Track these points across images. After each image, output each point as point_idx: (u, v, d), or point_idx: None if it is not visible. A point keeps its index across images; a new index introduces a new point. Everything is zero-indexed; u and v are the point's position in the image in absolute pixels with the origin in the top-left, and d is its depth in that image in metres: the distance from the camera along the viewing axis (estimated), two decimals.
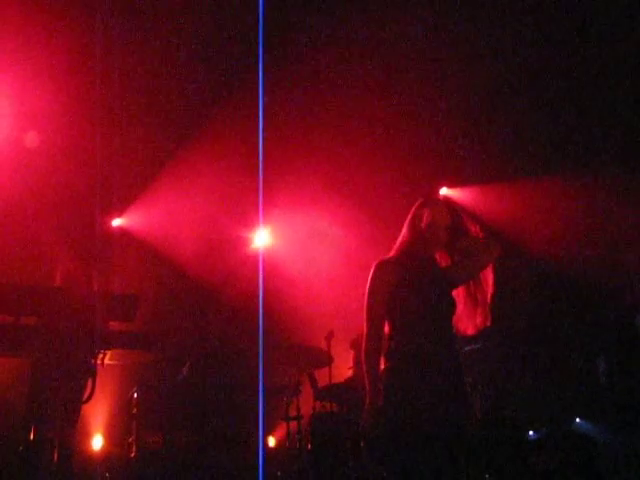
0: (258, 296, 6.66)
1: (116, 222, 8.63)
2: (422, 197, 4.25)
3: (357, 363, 7.04)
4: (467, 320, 4.14)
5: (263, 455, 6.39)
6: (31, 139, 7.09)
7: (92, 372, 5.81)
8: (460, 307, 4.11)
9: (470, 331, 4.15)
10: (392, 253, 4.15)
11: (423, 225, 4.09)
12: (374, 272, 4.03)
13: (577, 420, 6.52)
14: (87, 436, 7.65)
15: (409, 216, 4.19)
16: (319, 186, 8.30)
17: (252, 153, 6.94)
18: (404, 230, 4.18)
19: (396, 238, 4.22)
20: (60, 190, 7.44)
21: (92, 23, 6.73)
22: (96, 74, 7.13)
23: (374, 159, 8.20)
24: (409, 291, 3.95)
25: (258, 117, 6.72)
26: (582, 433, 6.36)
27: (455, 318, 4.09)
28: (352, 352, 7.21)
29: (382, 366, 3.92)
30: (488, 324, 4.15)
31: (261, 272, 7.52)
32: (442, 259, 4.19)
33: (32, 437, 5.52)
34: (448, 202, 4.25)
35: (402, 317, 3.95)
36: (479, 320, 4.14)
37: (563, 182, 8.01)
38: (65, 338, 5.60)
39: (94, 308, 5.74)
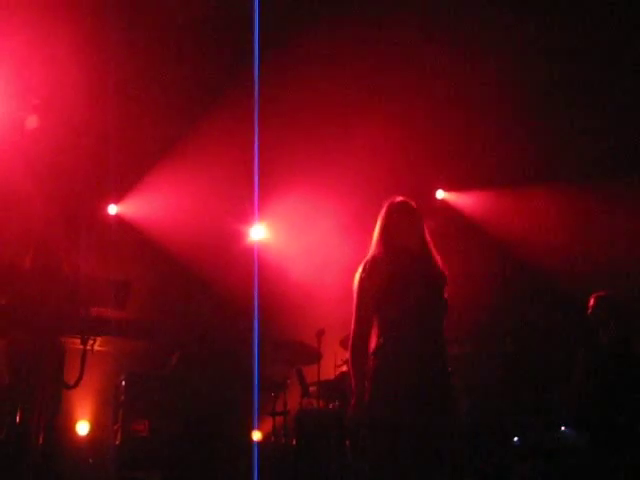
0: (251, 289, 6.65)
1: (112, 209, 8.64)
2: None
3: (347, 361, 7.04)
4: None
5: (258, 451, 6.35)
6: (31, 121, 7.08)
7: (82, 357, 5.82)
8: None
9: None
10: (375, 250, 4.11)
11: (382, 228, 4.10)
12: (362, 271, 4.03)
13: (563, 429, 6.51)
14: (73, 421, 7.66)
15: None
16: (316, 184, 8.29)
17: (250, 147, 6.94)
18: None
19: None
20: (54, 176, 7.45)
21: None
22: (99, 62, 7.13)
23: (372, 158, 8.19)
24: (397, 290, 3.95)
25: (254, 111, 6.74)
26: (567, 442, 6.36)
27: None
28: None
29: (370, 364, 3.93)
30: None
31: (256, 267, 7.52)
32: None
33: (17, 421, 5.53)
34: (407, 205, 4.18)
35: (389, 315, 3.95)
36: None
37: (548, 190, 8.07)
38: (32, 320, 5.58)
39: (77, 292, 5.72)
